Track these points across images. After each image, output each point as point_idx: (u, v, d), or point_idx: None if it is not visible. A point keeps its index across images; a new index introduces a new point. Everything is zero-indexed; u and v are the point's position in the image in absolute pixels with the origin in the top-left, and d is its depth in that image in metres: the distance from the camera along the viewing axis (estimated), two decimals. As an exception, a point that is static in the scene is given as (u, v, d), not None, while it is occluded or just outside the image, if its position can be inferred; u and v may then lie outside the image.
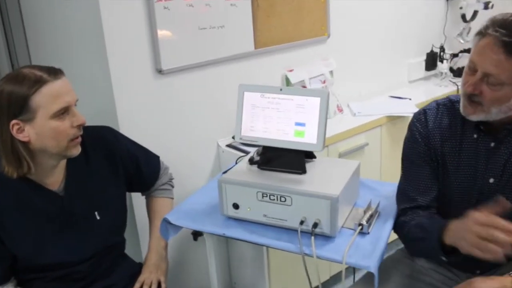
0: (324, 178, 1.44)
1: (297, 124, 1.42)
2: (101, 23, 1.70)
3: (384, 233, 1.40)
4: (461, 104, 1.32)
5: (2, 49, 2.79)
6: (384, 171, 2.50)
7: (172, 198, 1.74)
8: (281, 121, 1.44)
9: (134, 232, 1.93)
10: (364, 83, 2.72)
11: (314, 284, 1.36)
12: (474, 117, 1.30)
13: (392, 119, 2.46)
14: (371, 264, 1.28)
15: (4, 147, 1.31)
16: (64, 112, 1.31)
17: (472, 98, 1.27)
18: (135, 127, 1.85)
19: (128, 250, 1.67)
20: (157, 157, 1.71)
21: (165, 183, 1.73)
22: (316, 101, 1.41)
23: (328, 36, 2.42)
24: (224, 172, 1.83)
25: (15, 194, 1.37)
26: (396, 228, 1.46)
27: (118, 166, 1.55)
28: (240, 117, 1.48)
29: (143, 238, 1.95)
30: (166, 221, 1.53)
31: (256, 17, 2.07)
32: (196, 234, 1.85)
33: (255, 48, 2.11)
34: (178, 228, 1.54)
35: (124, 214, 1.61)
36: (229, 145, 2.08)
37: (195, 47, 1.93)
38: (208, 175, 2.12)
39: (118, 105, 1.80)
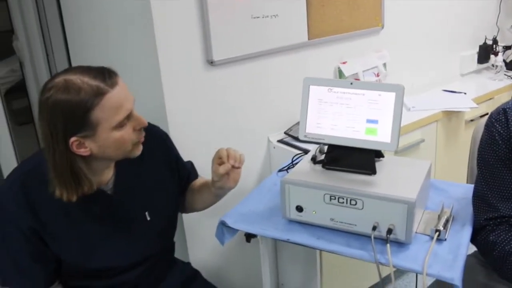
0: (396, 179, 1.33)
1: (369, 121, 1.31)
2: (150, 12, 1.60)
3: (463, 241, 1.29)
4: None
5: (38, 43, 2.74)
6: (439, 169, 2.37)
7: None
8: (351, 117, 1.33)
9: (181, 234, 1.84)
10: (416, 76, 2.58)
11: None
12: None
13: (448, 114, 2.33)
14: (454, 275, 1.17)
15: (59, 169, 1.16)
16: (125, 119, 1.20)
17: None
18: (184, 120, 1.76)
19: (176, 253, 1.59)
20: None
21: None
22: (390, 96, 1.29)
23: (382, 27, 2.29)
24: (280, 170, 1.74)
25: None
26: (479, 244, 1.35)
27: (171, 166, 1.46)
28: (305, 113, 1.37)
29: (190, 240, 1.86)
30: (222, 224, 1.44)
31: (310, 5, 1.95)
32: (250, 236, 1.76)
33: (309, 38, 1.99)
34: (234, 231, 1.45)
35: (175, 216, 1.52)
36: (280, 141, 1.97)
37: (248, 37, 1.82)
38: (258, 172, 2.01)
39: (167, 98, 1.70)
